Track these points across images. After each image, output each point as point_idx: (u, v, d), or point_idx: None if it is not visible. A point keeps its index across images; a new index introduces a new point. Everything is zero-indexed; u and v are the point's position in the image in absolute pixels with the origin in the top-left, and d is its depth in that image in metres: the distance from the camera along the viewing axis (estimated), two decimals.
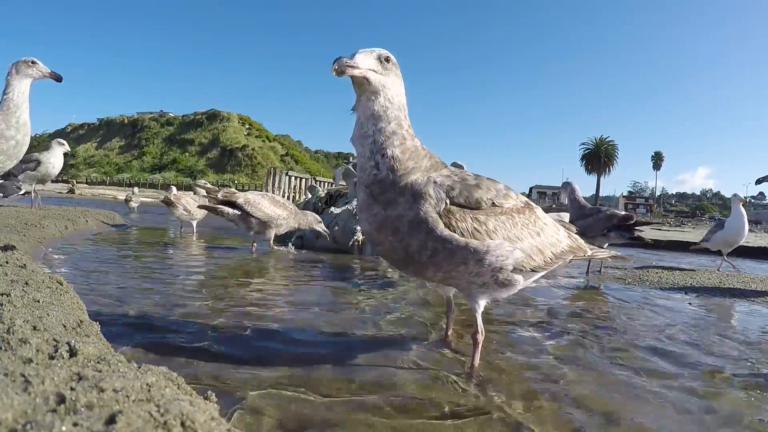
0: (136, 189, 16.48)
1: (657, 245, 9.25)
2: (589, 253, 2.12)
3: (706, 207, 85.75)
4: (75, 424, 0.62)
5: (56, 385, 0.72)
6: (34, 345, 1.02)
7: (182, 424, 0.72)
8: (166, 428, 0.69)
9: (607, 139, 62.01)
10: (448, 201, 1.59)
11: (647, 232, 12.17)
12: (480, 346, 1.81)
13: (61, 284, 2.00)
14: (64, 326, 1.37)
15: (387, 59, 1.57)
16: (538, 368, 1.87)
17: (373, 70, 1.53)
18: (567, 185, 5.24)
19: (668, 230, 15.25)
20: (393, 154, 1.57)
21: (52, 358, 0.99)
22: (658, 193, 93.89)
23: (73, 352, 1.03)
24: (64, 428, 0.61)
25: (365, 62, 1.51)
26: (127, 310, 2.33)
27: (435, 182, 1.60)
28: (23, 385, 0.70)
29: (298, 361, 1.78)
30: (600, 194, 63.96)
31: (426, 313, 2.69)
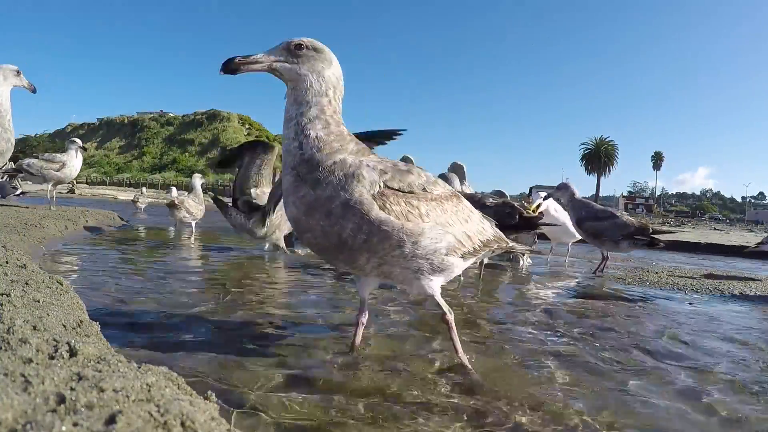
0: (144, 189, 16.59)
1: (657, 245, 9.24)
2: (510, 244, 2.21)
3: (706, 207, 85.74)
4: (75, 424, 0.62)
5: (56, 385, 0.72)
6: (34, 345, 1.02)
7: (182, 424, 0.72)
8: (166, 428, 0.69)
9: (607, 139, 62.04)
10: (382, 184, 1.58)
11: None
12: (454, 326, 1.80)
13: (61, 284, 2.00)
14: (64, 326, 1.37)
15: (299, 47, 1.58)
16: (539, 368, 1.87)
17: (281, 61, 1.58)
18: (566, 188, 5.12)
19: (668, 230, 15.25)
20: (317, 135, 1.58)
21: (52, 358, 0.99)
22: (658, 193, 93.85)
23: (73, 352, 1.03)
24: (64, 428, 0.61)
25: (267, 57, 1.58)
26: (127, 310, 2.33)
27: (368, 165, 1.60)
28: (23, 385, 0.70)
29: (299, 360, 1.78)
30: (600, 194, 63.95)
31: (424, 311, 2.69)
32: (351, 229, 1.54)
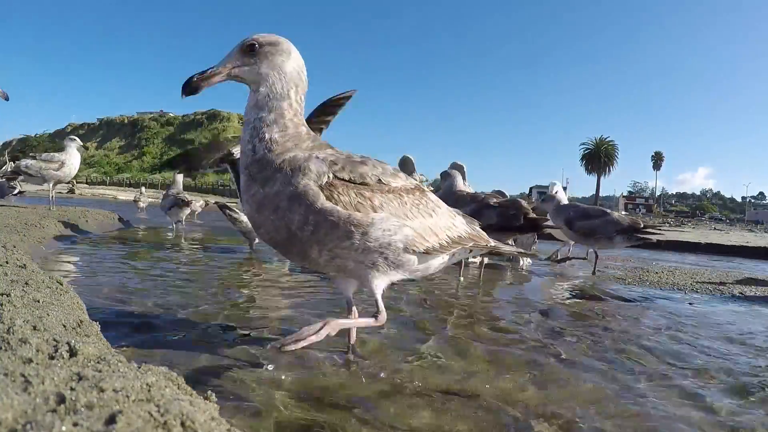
0: (143, 189, 16.57)
1: (657, 245, 9.25)
2: (492, 244, 2.13)
3: (706, 207, 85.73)
4: (75, 424, 0.62)
5: (56, 385, 0.72)
6: (34, 345, 1.02)
7: (182, 424, 0.72)
8: (166, 428, 0.69)
9: (607, 139, 62.03)
10: (331, 175, 1.55)
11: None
12: (375, 324, 1.74)
13: (61, 284, 2.00)
14: (64, 326, 1.37)
15: (251, 47, 1.56)
16: (539, 368, 1.87)
17: (239, 66, 1.57)
18: (552, 199, 5.06)
19: (668, 230, 15.26)
20: (271, 137, 1.57)
21: (52, 358, 0.99)
22: (658, 193, 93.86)
23: (73, 352, 1.03)
24: (64, 428, 0.60)
25: (224, 66, 1.57)
26: (127, 310, 2.33)
27: (317, 157, 1.58)
28: (23, 385, 0.70)
29: (299, 360, 1.78)
30: (600, 194, 63.94)
31: (426, 313, 2.69)
32: (298, 221, 1.52)
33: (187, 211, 7.23)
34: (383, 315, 1.74)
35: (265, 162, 1.56)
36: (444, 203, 1.97)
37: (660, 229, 5.31)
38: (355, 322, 1.79)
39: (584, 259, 5.12)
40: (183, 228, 7.35)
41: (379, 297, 1.74)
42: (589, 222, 4.71)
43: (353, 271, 1.67)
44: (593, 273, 4.83)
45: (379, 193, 1.63)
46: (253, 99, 1.61)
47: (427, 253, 1.76)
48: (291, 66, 1.61)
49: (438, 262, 1.90)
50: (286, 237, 1.57)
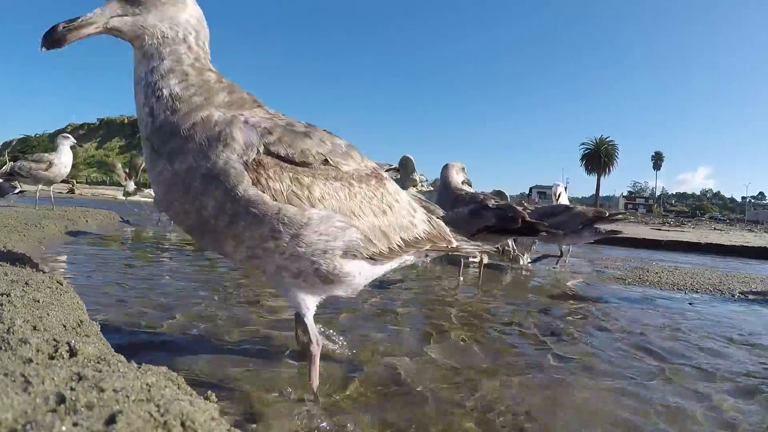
0: (146, 190, 16.11)
1: (657, 245, 9.25)
2: (454, 244, 1.75)
3: (706, 207, 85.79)
4: (75, 424, 0.62)
5: (56, 385, 0.72)
6: (34, 345, 1.02)
7: (182, 424, 0.72)
8: (166, 428, 0.69)
9: (607, 139, 62.00)
10: (261, 149, 1.23)
11: (647, 233, 12.17)
12: (317, 359, 1.41)
13: (61, 284, 1.99)
14: (64, 326, 1.37)
15: None
16: (539, 368, 1.87)
17: (119, 15, 1.23)
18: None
19: (668, 230, 15.26)
20: (171, 93, 1.23)
21: (52, 358, 0.99)
22: (658, 193, 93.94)
23: (73, 352, 1.03)
24: (64, 428, 0.60)
25: (102, 13, 1.23)
26: (127, 310, 2.33)
27: (245, 122, 1.25)
28: (23, 385, 0.70)
29: (298, 360, 1.78)
30: (600, 194, 63.94)
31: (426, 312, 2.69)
32: (212, 208, 1.21)
33: None
34: (317, 343, 1.40)
35: (170, 129, 1.22)
36: (405, 193, 1.64)
37: (624, 214, 5.46)
38: (313, 372, 1.42)
39: (560, 256, 5.19)
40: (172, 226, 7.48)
41: (308, 321, 1.40)
42: (554, 219, 4.73)
43: (272, 276, 1.36)
44: (554, 266, 5.03)
45: (323, 179, 1.29)
46: (139, 54, 1.27)
47: (373, 260, 1.43)
48: (186, 16, 1.30)
49: (384, 270, 1.56)
50: (196, 223, 1.26)
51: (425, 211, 1.71)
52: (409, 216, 1.55)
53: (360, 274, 1.41)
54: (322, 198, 1.28)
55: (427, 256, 1.75)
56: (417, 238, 1.56)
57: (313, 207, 1.26)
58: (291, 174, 1.25)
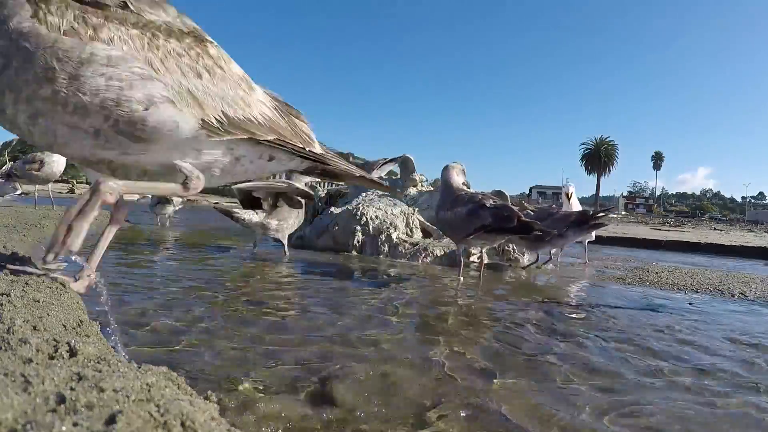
0: None
1: (657, 245, 9.25)
2: (317, 150, 1.51)
3: (706, 207, 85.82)
4: (75, 424, 0.62)
5: (56, 385, 0.72)
6: (34, 345, 1.02)
7: (182, 424, 0.72)
8: (166, 428, 0.69)
9: (607, 139, 62.02)
10: None
11: (648, 233, 12.17)
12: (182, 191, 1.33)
13: (61, 284, 2.00)
14: (64, 326, 1.37)
15: None
16: (539, 368, 1.87)
17: None
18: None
19: (668, 230, 15.27)
20: None
21: (52, 358, 0.99)
22: (658, 193, 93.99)
23: (73, 352, 1.03)
24: (64, 428, 0.60)
25: None
26: (127, 310, 2.33)
27: None
28: (23, 385, 0.70)
29: (302, 362, 1.78)
30: (600, 194, 63.95)
31: (429, 312, 2.69)
32: None
33: (171, 208, 7.66)
34: (200, 180, 1.29)
35: None
36: (240, 68, 1.39)
37: (609, 209, 5.50)
38: (147, 186, 1.30)
39: (549, 260, 5.26)
40: (167, 220, 7.83)
41: (185, 166, 1.24)
42: (543, 223, 4.79)
43: (73, 147, 1.17)
44: (530, 265, 5.11)
45: (117, 23, 1.11)
46: None
47: (208, 133, 1.23)
48: None
49: (212, 158, 1.34)
50: None
51: (274, 101, 1.48)
52: (238, 89, 1.32)
53: (178, 127, 1.19)
54: (111, 39, 1.09)
55: (274, 159, 1.46)
56: (250, 119, 1.32)
57: (93, 42, 1.07)
58: (77, 12, 1.08)
